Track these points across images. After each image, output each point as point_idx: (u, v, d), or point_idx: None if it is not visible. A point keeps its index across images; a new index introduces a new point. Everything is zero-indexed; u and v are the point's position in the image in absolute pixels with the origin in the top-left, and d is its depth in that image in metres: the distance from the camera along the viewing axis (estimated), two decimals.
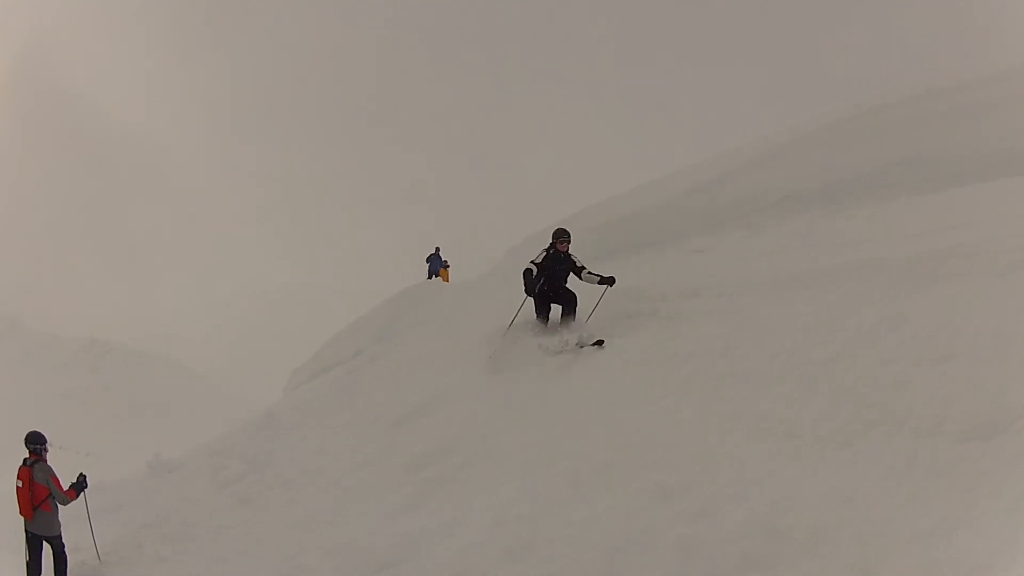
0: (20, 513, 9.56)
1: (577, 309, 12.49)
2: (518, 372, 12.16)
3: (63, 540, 9.71)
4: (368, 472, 10.88)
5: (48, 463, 9.76)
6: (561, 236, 12.46)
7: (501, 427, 10.60)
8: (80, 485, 9.88)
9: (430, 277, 26.14)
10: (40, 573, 9.59)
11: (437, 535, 8.56)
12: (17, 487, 9.55)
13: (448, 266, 26.63)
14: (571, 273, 12.43)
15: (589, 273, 12.33)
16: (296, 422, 13.73)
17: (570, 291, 12.53)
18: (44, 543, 9.62)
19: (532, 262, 12.36)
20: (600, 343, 11.41)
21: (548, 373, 11.61)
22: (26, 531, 9.58)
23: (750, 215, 17.46)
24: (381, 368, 15.26)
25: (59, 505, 9.67)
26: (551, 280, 12.40)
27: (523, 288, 12.36)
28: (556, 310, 12.71)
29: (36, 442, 9.80)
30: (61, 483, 9.69)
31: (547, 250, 12.46)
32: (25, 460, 9.66)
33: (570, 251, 12.46)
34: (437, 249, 26.66)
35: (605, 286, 12.19)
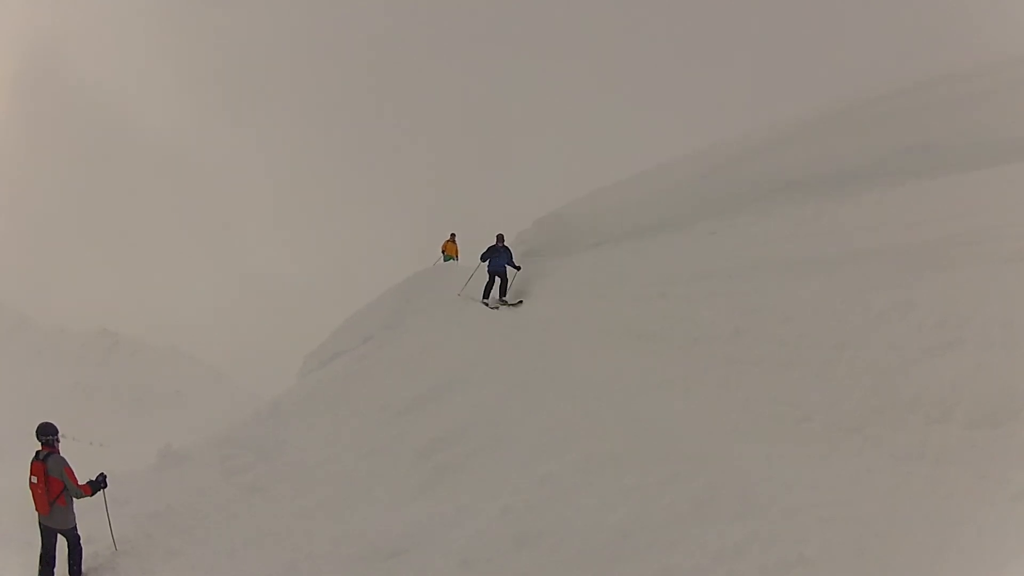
0: (36, 509, 9.32)
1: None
2: (526, 357, 12.17)
3: (78, 532, 9.66)
4: (376, 460, 10.91)
5: (61, 454, 9.62)
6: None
7: (510, 414, 10.61)
8: (98, 484, 9.71)
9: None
10: (54, 565, 9.53)
11: (446, 523, 8.59)
12: (31, 483, 9.30)
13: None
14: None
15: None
16: (304, 411, 13.74)
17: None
18: (59, 535, 9.53)
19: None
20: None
21: (556, 359, 11.60)
22: (40, 524, 9.47)
23: (758, 200, 17.36)
24: (389, 355, 15.24)
25: (74, 498, 9.56)
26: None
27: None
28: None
29: (48, 433, 9.60)
30: (76, 476, 9.56)
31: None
32: (38, 453, 9.38)
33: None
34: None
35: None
